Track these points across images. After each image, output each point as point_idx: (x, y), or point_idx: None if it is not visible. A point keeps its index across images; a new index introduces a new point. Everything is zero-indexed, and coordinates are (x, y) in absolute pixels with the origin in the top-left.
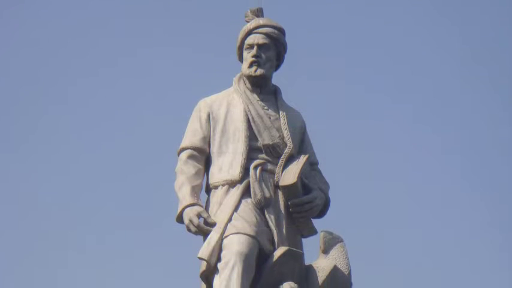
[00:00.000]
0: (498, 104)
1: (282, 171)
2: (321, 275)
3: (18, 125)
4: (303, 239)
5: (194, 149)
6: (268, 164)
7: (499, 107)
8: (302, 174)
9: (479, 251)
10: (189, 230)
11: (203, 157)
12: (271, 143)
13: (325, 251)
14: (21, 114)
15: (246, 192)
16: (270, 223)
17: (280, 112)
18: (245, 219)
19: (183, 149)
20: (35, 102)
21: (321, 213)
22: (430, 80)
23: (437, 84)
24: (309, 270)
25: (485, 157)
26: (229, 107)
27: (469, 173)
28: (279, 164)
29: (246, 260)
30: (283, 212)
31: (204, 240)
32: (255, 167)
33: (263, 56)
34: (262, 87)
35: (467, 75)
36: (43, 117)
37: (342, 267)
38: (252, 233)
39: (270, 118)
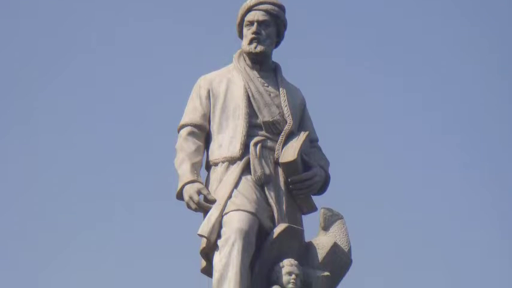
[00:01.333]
0: (497, 77)
1: (282, 148)
2: (321, 252)
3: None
4: (302, 215)
5: (194, 126)
6: (268, 141)
7: (498, 81)
8: (302, 151)
9: (478, 227)
10: (189, 207)
11: (203, 134)
12: (271, 119)
13: (325, 227)
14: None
15: (246, 169)
16: (270, 200)
17: (280, 89)
18: (245, 196)
19: (183, 126)
20: (32, 82)
21: (321, 190)
22: (429, 55)
23: (437, 59)
24: (309, 247)
25: (484, 131)
26: (229, 84)
27: (469, 148)
28: (279, 141)
29: (246, 236)
30: (283, 188)
31: (204, 217)
32: (255, 144)
33: (263, 32)
34: (262, 64)
35: (466, 50)
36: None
37: (342, 243)
38: (252, 210)
39: (270, 95)
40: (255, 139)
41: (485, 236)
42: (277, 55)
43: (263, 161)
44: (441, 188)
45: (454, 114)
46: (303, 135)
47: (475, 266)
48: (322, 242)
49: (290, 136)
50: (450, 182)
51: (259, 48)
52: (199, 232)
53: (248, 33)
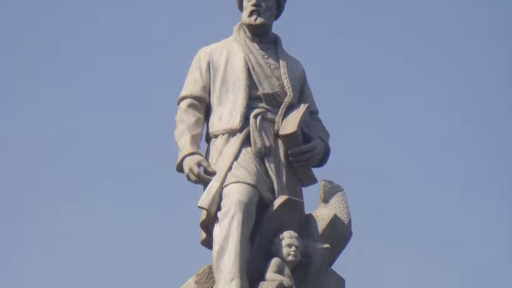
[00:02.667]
0: (497, 49)
1: (282, 120)
2: (321, 224)
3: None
4: (302, 188)
5: (194, 98)
6: (268, 113)
7: (499, 53)
8: (302, 123)
9: (478, 197)
10: (189, 179)
11: (203, 106)
12: (271, 92)
13: (325, 200)
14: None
15: (246, 141)
16: (270, 172)
17: (280, 61)
18: (245, 168)
19: (182, 98)
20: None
21: (321, 162)
22: (429, 28)
23: (437, 31)
24: (309, 219)
25: (484, 103)
26: (229, 56)
27: (469, 121)
28: (279, 113)
29: (246, 208)
30: (283, 161)
31: (204, 189)
32: (255, 116)
33: (263, 4)
34: (262, 36)
35: (466, 20)
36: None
37: (342, 216)
38: (252, 182)
39: (270, 67)
40: (255, 111)
41: (485, 205)
42: (278, 27)
43: (263, 133)
44: (441, 160)
45: (454, 86)
46: (303, 107)
47: (475, 236)
48: (322, 214)
49: (290, 108)
50: (450, 153)
51: (259, 20)
52: (199, 204)
53: (248, 5)
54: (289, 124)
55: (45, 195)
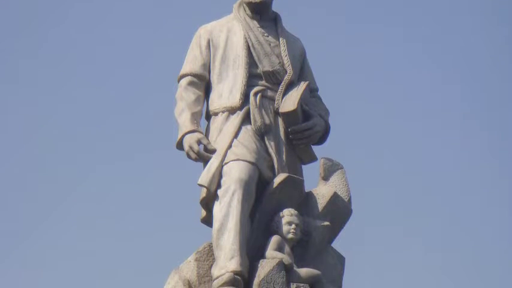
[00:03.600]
0: (498, 27)
1: (282, 98)
2: (321, 202)
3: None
4: (303, 165)
5: (194, 75)
6: (268, 91)
7: (499, 31)
8: (302, 101)
9: (477, 175)
10: (189, 156)
11: (203, 84)
12: (271, 69)
13: (325, 177)
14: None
15: (246, 119)
16: (270, 150)
17: (280, 39)
18: (245, 146)
19: (183, 76)
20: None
21: (321, 139)
22: (429, 5)
23: (437, 9)
24: (309, 197)
25: (484, 80)
26: (229, 34)
27: (468, 98)
28: (279, 90)
29: (246, 186)
30: (283, 138)
31: (204, 167)
32: (255, 94)
33: None
34: (262, 14)
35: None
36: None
37: (342, 194)
38: (252, 160)
39: (270, 45)
40: (255, 89)
41: (485, 183)
42: (277, 5)
43: (263, 110)
44: (441, 137)
45: (454, 62)
46: (303, 85)
47: (475, 213)
48: (322, 192)
49: (290, 86)
50: (450, 131)
51: None
52: (199, 182)
53: None
54: (289, 102)
55: (45, 178)
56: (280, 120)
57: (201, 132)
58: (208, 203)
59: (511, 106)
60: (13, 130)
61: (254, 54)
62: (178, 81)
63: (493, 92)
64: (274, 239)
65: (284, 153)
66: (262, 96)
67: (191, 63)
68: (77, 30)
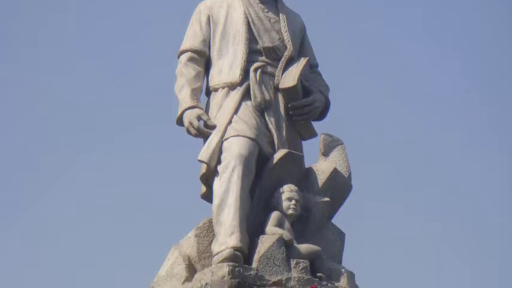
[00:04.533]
0: (497, 2)
1: (282, 74)
2: (321, 178)
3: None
4: (302, 141)
5: (194, 51)
6: (268, 67)
7: (498, 6)
8: (302, 77)
9: (477, 150)
10: (189, 132)
11: (203, 60)
12: (271, 45)
13: (325, 153)
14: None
15: (246, 95)
16: (270, 126)
17: (280, 15)
18: (245, 121)
19: (183, 52)
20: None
21: (321, 115)
22: None
23: None
24: (309, 173)
25: (484, 55)
26: (229, 10)
27: (468, 72)
28: (279, 66)
29: (246, 162)
30: (283, 114)
31: (204, 142)
32: (255, 70)
33: None
34: None
35: None
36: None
37: (342, 169)
38: (252, 136)
39: (270, 21)
40: (255, 65)
41: (485, 157)
42: None
43: (263, 86)
44: (440, 112)
45: (454, 36)
46: (302, 61)
47: (474, 188)
48: (322, 168)
49: (290, 62)
50: (449, 105)
51: None
52: (199, 158)
53: None
54: (289, 78)
55: (44, 150)
56: (280, 96)
57: (201, 108)
58: (208, 178)
59: (509, 79)
60: (15, 101)
61: (254, 30)
62: (178, 57)
63: (492, 66)
64: (274, 215)
65: (284, 129)
66: (262, 72)
67: (191, 39)
68: (78, 3)
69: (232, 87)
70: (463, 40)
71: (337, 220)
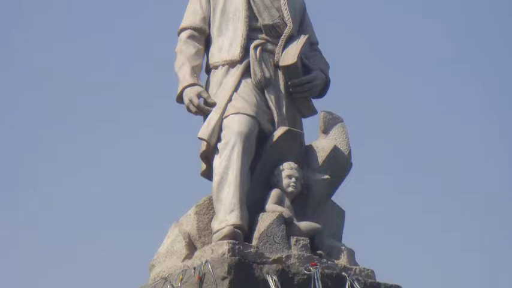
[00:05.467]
0: None
1: (282, 51)
2: (321, 155)
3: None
4: (302, 119)
5: (194, 29)
6: (268, 44)
7: None
8: (302, 54)
9: (477, 125)
10: (189, 110)
11: (203, 37)
12: (271, 23)
13: (325, 131)
14: None
15: (246, 72)
16: (270, 103)
17: None
18: (245, 99)
19: (183, 29)
20: None
21: (321, 93)
22: None
23: None
24: (309, 150)
25: (484, 35)
26: None
27: (469, 47)
28: (279, 44)
29: (246, 140)
30: (283, 92)
31: (204, 120)
32: (255, 47)
33: None
34: None
35: None
36: None
37: (342, 147)
38: (252, 113)
39: None
40: (255, 42)
41: (483, 134)
42: None
43: (263, 64)
44: (440, 88)
45: (454, 14)
46: (303, 39)
47: (474, 161)
48: (322, 145)
49: (290, 39)
50: (450, 81)
51: None
52: (199, 135)
53: None
54: (289, 55)
55: (46, 125)
56: (280, 74)
57: (201, 86)
58: (208, 156)
59: (508, 55)
60: (21, 75)
61: (254, 7)
62: (178, 35)
63: (491, 43)
64: (274, 193)
65: (284, 107)
66: (262, 50)
67: (191, 16)
68: None
69: (232, 64)
70: (462, 16)
71: (337, 197)
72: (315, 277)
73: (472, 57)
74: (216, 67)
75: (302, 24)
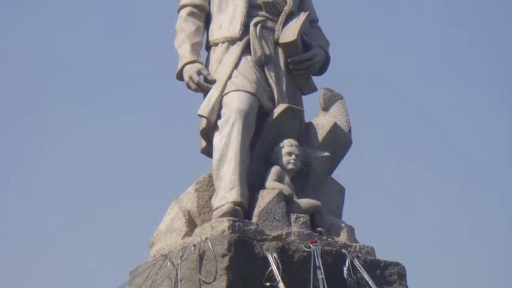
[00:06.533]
0: None
1: (282, 29)
2: (321, 132)
3: None
4: (302, 96)
5: (194, 6)
6: (268, 21)
7: None
8: (302, 32)
9: (478, 102)
10: (189, 87)
11: (203, 14)
12: (271, 0)
13: (325, 108)
14: None
15: (246, 50)
16: (270, 80)
17: None
18: (245, 76)
19: (183, 6)
20: None
21: (321, 70)
22: None
23: None
24: (309, 128)
25: (485, 7)
26: None
27: (468, 25)
28: (279, 21)
29: (246, 117)
30: (283, 69)
31: (204, 97)
32: (255, 24)
33: None
34: None
35: None
36: None
37: (342, 124)
38: (252, 90)
39: None
40: (255, 19)
41: (482, 109)
42: None
43: (263, 41)
44: (440, 65)
45: None
46: (303, 16)
47: (473, 141)
48: (322, 123)
49: (290, 16)
50: (450, 58)
51: None
52: (199, 112)
53: None
54: (289, 32)
55: (46, 103)
56: (280, 51)
57: (201, 63)
58: (208, 133)
59: (509, 33)
60: (17, 55)
61: None
62: (178, 12)
63: (493, 20)
64: (274, 170)
65: (284, 84)
66: (262, 27)
67: None
68: None
69: (232, 41)
70: None
71: (337, 175)
72: (315, 254)
73: (474, 33)
74: (216, 44)
75: (302, 2)
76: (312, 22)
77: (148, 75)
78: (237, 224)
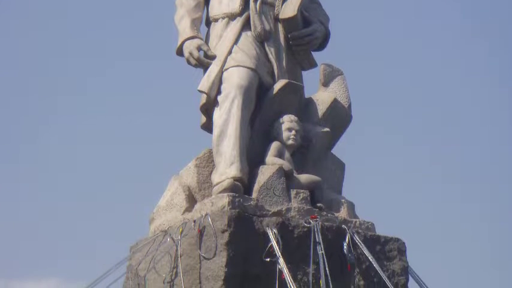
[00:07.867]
0: None
1: (282, 4)
2: (321, 108)
3: None
4: (302, 71)
5: None
6: None
7: None
8: (302, 7)
9: (479, 80)
10: (189, 62)
11: None
12: None
13: (325, 83)
14: None
15: (246, 25)
16: (270, 56)
17: None
18: (245, 52)
19: None
20: None
21: (321, 46)
22: None
23: None
24: (309, 103)
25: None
26: None
27: (468, 12)
28: None
29: (246, 92)
30: (283, 45)
31: (204, 73)
32: (255, 0)
33: None
34: None
35: None
36: None
37: (342, 99)
38: (252, 66)
39: None
40: None
41: (484, 88)
42: None
43: (263, 16)
44: (441, 41)
45: None
46: None
47: (475, 118)
48: (322, 98)
49: None
50: (450, 34)
51: None
52: (199, 88)
53: None
54: (289, 8)
55: (46, 83)
56: (280, 27)
57: (201, 39)
58: (208, 109)
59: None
60: (26, 27)
61: None
62: None
63: (494, 6)
64: (274, 145)
65: (284, 60)
66: (262, 3)
67: None
68: None
69: (232, 17)
70: None
71: (337, 150)
72: (315, 230)
73: (475, 18)
74: (216, 20)
75: None
76: None
77: (147, 51)
78: (237, 199)
